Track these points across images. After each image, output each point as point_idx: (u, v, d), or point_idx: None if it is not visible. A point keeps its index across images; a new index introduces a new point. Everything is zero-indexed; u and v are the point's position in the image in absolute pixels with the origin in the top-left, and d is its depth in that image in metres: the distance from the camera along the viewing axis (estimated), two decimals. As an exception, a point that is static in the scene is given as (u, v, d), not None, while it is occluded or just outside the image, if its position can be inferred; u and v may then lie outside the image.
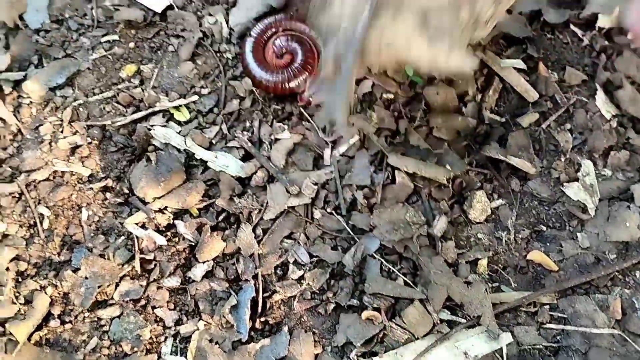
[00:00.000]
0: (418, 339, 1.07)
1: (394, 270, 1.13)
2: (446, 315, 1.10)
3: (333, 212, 1.18)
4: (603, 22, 1.31)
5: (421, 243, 1.15)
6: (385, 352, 1.06)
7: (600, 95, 1.25)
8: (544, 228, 1.18)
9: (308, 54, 1.22)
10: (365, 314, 1.08)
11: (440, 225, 1.16)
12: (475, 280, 1.11)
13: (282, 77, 1.20)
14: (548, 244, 1.16)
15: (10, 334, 1.04)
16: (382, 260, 1.14)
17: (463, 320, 1.08)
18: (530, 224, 1.18)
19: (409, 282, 1.12)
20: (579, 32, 1.32)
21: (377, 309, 1.08)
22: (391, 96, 1.27)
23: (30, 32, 1.31)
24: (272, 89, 1.22)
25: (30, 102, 1.24)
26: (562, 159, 1.22)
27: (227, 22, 1.33)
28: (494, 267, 1.15)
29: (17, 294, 1.08)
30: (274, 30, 1.25)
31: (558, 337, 1.08)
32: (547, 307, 1.10)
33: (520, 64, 1.29)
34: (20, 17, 1.32)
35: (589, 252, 1.14)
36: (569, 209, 1.18)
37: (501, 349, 1.05)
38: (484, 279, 1.13)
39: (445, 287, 1.09)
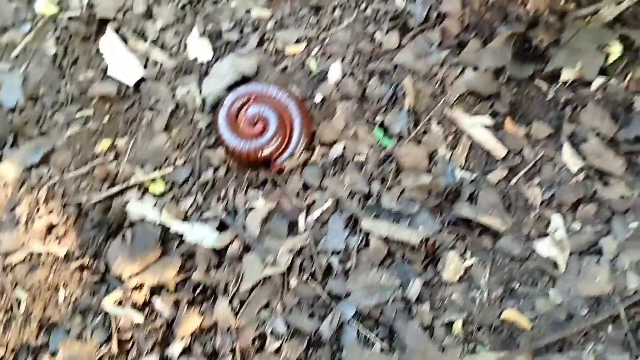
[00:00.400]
0: (396, 407, 1.08)
1: (371, 336, 1.14)
2: (423, 380, 1.11)
3: (309, 279, 1.20)
4: (567, 75, 1.34)
5: (396, 307, 1.16)
6: (363, 422, 1.07)
7: (567, 149, 1.27)
8: (517, 285, 1.19)
9: (281, 120, 1.25)
10: (343, 384, 1.09)
11: (414, 288, 1.17)
12: (450, 344, 1.12)
13: (255, 145, 1.23)
14: (521, 301, 1.17)
15: None
16: (359, 327, 1.15)
17: (440, 385, 1.09)
18: (503, 281, 1.20)
19: (385, 348, 1.13)
20: (544, 86, 1.35)
21: (355, 378, 1.09)
22: (362, 158, 1.29)
23: (4, 112, 1.33)
24: (244, 157, 1.24)
25: (5, 183, 1.26)
26: (532, 215, 1.24)
27: (200, 91, 1.36)
28: (469, 329, 1.16)
29: (-5, 382, 1.09)
30: (246, 98, 1.28)
31: (535, 397, 1.09)
32: (523, 367, 1.11)
33: (488, 121, 1.32)
34: (-5, 97, 1.35)
35: (562, 309, 1.15)
36: (540, 265, 1.19)
37: (479, 413, 1.07)
38: (459, 340, 1.14)
39: (421, 353, 1.10)
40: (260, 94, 1.28)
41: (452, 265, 1.20)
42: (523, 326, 1.15)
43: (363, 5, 1.48)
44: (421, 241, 1.21)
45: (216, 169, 1.29)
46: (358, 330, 1.15)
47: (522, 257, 1.21)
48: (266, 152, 1.23)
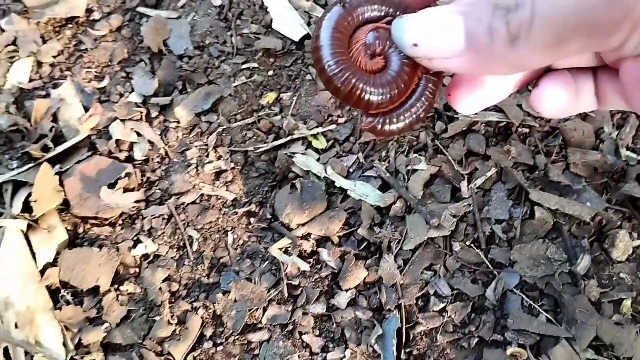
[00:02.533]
0: (566, 378, 1.07)
1: (535, 306, 1.13)
2: (590, 354, 1.09)
3: (472, 245, 1.19)
4: None
5: (563, 280, 1.15)
6: (533, 390, 1.06)
7: None
8: (688, 269, 1.16)
9: (408, 70, 0.61)
10: (510, 350, 1.08)
11: (584, 263, 1.16)
12: (622, 320, 1.11)
13: (359, 81, 0.62)
14: (693, 285, 1.15)
15: (169, 353, 1.08)
16: (523, 296, 1.14)
17: (610, 362, 1.08)
18: (673, 264, 1.17)
19: (551, 318, 1.12)
20: None
21: (522, 346, 1.09)
22: (527, 130, 1.28)
23: (174, 58, 1.36)
24: (338, 89, 0.61)
25: (177, 126, 1.29)
26: None
27: (363, 51, 1.36)
28: (638, 308, 1.14)
29: (171, 314, 1.13)
30: (380, 13, 0.63)
31: None
32: (698, 352, 1.09)
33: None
34: (164, 43, 1.38)
35: None
36: None
37: (653, 393, 1.05)
38: (628, 319, 1.12)
39: (595, 327, 1.08)
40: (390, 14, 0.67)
41: (621, 244, 1.17)
42: (695, 311, 1.13)
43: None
44: (591, 217, 1.19)
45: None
46: (522, 299, 1.14)
47: (694, 242, 1.18)
48: (372, 98, 0.63)
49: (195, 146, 1.27)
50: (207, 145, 1.27)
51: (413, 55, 0.48)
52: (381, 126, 0.56)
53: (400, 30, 0.47)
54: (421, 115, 0.55)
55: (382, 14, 0.57)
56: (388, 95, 0.55)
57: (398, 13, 0.54)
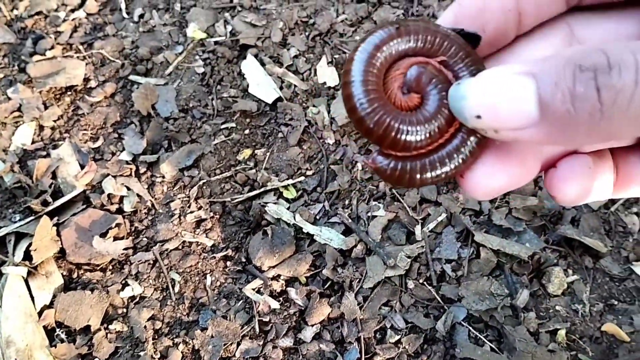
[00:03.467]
0: (506, 401, 1.20)
1: (481, 337, 1.27)
2: (529, 380, 1.22)
3: (425, 282, 1.34)
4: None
5: (505, 313, 1.29)
6: (476, 412, 1.19)
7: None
8: (616, 302, 1.30)
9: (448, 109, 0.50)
10: (457, 377, 1.21)
11: (522, 297, 1.30)
12: (556, 348, 1.24)
13: (392, 119, 0.50)
14: (620, 316, 1.29)
15: (152, 383, 1.22)
16: (470, 328, 1.28)
17: (545, 386, 1.21)
18: (603, 297, 1.31)
19: (495, 348, 1.25)
20: None
21: (468, 372, 1.22)
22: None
23: (161, 120, 1.53)
24: (368, 127, 0.48)
25: (163, 180, 1.45)
26: (630, 240, 1.35)
27: (328, 112, 1.53)
28: (572, 337, 1.27)
29: (154, 350, 1.26)
30: (415, 46, 0.50)
31: (634, 404, 1.20)
32: (622, 375, 1.22)
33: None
34: (153, 107, 1.55)
35: (660, 326, 1.26)
36: (638, 285, 1.30)
37: (582, 412, 1.17)
38: (563, 347, 1.26)
39: (531, 354, 1.22)
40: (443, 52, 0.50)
41: (556, 280, 1.32)
42: (622, 338, 1.26)
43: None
44: (529, 256, 1.34)
45: (341, 181, 1.45)
46: (469, 331, 1.28)
47: (621, 277, 1.32)
48: (407, 137, 0.50)
49: (179, 198, 1.43)
50: (189, 197, 1.43)
51: (476, 128, 0.40)
52: (409, 174, 0.46)
53: (459, 100, 0.39)
54: (460, 169, 0.45)
55: (415, 47, 0.47)
56: (426, 136, 0.45)
57: (459, 60, 0.45)
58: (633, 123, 0.33)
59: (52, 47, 1.67)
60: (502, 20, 0.43)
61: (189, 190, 1.44)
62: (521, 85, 0.35)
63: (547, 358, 1.21)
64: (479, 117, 0.38)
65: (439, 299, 1.31)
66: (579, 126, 0.34)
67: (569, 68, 0.33)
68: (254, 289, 1.33)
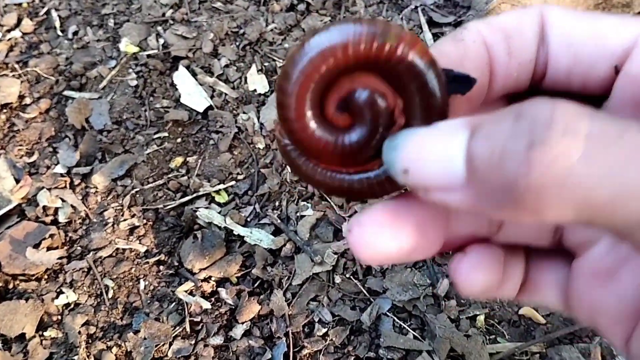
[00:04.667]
0: (426, 384, 1.25)
1: (405, 326, 1.32)
2: (450, 364, 1.28)
3: (351, 277, 1.39)
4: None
5: (427, 302, 1.35)
6: (398, 396, 1.24)
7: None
8: (533, 287, 1.37)
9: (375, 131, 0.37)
10: (381, 365, 1.27)
11: (443, 286, 1.36)
12: (474, 333, 1.30)
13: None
14: (537, 300, 1.35)
15: (84, 387, 1.25)
16: (394, 318, 1.33)
17: (465, 369, 1.27)
18: (521, 283, 1.38)
19: (418, 336, 1.31)
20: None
21: (391, 360, 1.28)
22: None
23: (95, 133, 1.57)
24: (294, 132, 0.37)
25: (96, 191, 1.49)
26: (547, 227, 1.42)
27: (258, 118, 1.59)
28: (491, 322, 1.33)
29: (88, 354, 1.30)
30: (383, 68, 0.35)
31: (548, 382, 1.26)
32: (537, 355, 1.28)
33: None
34: (87, 120, 1.59)
35: (572, 307, 1.33)
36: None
37: (498, 392, 1.23)
38: (482, 332, 1.32)
39: (449, 340, 1.28)
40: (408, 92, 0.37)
41: (475, 268, 1.38)
42: (538, 321, 1.33)
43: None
44: (449, 247, 1.40)
45: (271, 184, 1.51)
46: (394, 321, 1.33)
47: (538, 263, 1.39)
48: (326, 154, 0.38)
49: (112, 207, 1.47)
50: (122, 205, 1.47)
51: (406, 185, 0.33)
52: (295, 165, 0.39)
53: (391, 150, 0.32)
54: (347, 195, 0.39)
55: (405, 82, 0.35)
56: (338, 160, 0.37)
57: (419, 109, 0.36)
58: (568, 203, 0.24)
59: (-11, 67, 1.70)
60: (480, 74, 0.36)
61: (122, 199, 1.48)
62: (454, 137, 0.28)
63: (464, 342, 1.27)
64: (406, 171, 0.31)
65: (365, 292, 1.37)
66: (506, 190, 0.25)
67: (507, 118, 0.26)
68: (185, 291, 1.37)
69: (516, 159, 0.24)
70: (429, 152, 0.30)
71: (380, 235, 0.35)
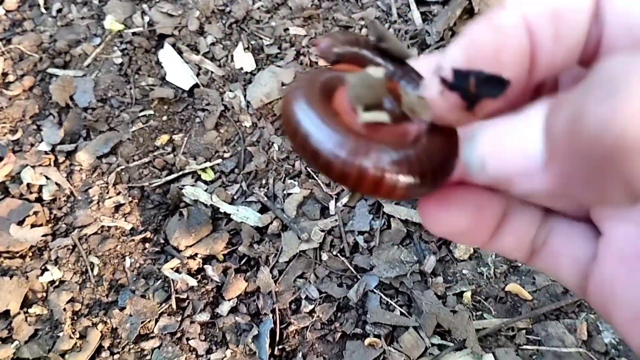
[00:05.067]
0: (413, 360, 1.25)
1: (392, 302, 1.32)
2: (437, 340, 1.28)
3: (338, 254, 1.39)
4: None
5: (414, 279, 1.35)
6: (385, 371, 1.24)
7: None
8: (519, 264, 1.37)
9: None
10: (367, 341, 1.26)
11: (430, 263, 1.36)
12: (461, 309, 1.30)
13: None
14: (523, 277, 1.35)
15: (69, 363, 1.24)
16: (381, 295, 1.33)
17: (451, 344, 1.27)
18: (507, 260, 1.38)
19: (405, 312, 1.31)
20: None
21: (378, 336, 1.27)
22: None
23: (79, 111, 1.56)
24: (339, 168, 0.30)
25: (81, 169, 1.47)
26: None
27: (244, 96, 1.58)
28: (477, 298, 1.34)
29: (73, 330, 1.29)
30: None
31: (534, 357, 1.26)
32: (524, 331, 1.29)
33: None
34: (71, 98, 1.57)
35: (558, 283, 1.33)
36: (540, 246, 1.38)
37: (484, 366, 1.24)
38: (468, 308, 1.32)
39: (435, 315, 1.28)
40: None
41: (462, 246, 1.38)
42: (524, 297, 1.33)
43: (386, 26, 1.71)
44: (436, 224, 1.40)
45: (258, 162, 1.50)
46: (380, 298, 1.33)
47: (524, 240, 1.39)
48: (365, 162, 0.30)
49: (97, 185, 1.46)
50: (107, 183, 1.46)
51: (486, 184, 0.29)
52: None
53: (468, 150, 0.29)
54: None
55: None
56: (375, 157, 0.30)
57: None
58: None
59: (-29, 44, 1.68)
60: (519, 67, 0.30)
61: (107, 177, 1.47)
62: (529, 119, 0.26)
63: (450, 318, 1.28)
64: (484, 166, 0.28)
65: (352, 269, 1.37)
66: (589, 156, 0.22)
67: (580, 85, 0.23)
68: (172, 268, 1.36)
69: (596, 113, 0.21)
70: (505, 142, 0.27)
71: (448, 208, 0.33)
